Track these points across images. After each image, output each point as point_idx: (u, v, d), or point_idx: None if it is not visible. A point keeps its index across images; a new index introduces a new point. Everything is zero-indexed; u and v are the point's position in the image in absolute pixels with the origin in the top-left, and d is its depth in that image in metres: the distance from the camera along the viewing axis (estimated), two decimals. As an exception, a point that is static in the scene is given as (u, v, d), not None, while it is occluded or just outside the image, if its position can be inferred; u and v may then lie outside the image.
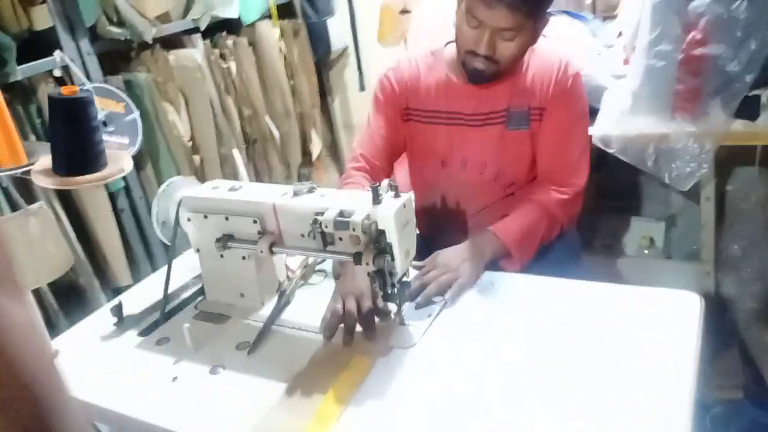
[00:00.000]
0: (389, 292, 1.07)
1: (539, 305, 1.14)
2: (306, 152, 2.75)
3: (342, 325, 1.10)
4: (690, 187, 1.73)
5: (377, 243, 1.03)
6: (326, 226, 1.04)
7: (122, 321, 1.22)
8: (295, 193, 1.12)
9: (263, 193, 1.15)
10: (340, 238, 1.06)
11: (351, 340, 1.08)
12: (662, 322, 1.04)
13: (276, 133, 2.55)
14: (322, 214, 1.04)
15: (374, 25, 2.58)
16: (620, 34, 1.88)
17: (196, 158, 2.19)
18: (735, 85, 1.53)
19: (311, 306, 1.22)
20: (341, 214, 1.04)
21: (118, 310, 1.22)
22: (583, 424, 0.86)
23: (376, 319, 1.12)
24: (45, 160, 0.95)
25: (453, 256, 1.26)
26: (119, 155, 0.99)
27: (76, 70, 1.79)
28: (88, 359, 1.14)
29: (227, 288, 1.24)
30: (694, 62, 1.56)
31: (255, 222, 1.13)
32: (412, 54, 1.54)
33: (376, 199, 1.02)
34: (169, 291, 1.23)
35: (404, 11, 2.31)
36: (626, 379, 0.93)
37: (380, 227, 1.02)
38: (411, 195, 1.06)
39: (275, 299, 1.24)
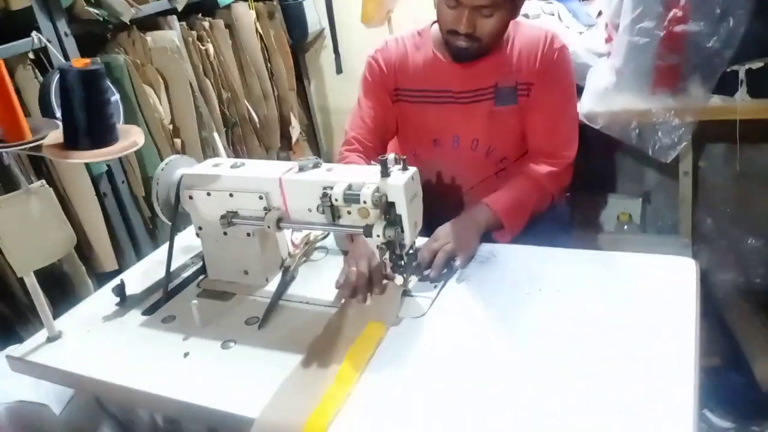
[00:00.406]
0: (399, 263, 1.08)
1: (541, 274, 1.17)
2: (284, 135, 2.73)
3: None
4: (667, 164, 1.79)
5: (387, 215, 1.04)
6: (336, 200, 1.04)
7: (125, 301, 1.21)
8: (301, 169, 1.12)
9: (268, 169, 1.15)
10: (349, 212, 1.06)
11: (365, 298, 1.13)
12: (662, 287, 1.08)
13: (255, 117, 2.53)
14: (330, 188, 1.05)
15: (351, 7, 2.57)
16: (600, 13, 1.92)
17: (177, 142, 2.16)
18: (714, 61, 1.59)
19: (315, 281, 1.23)
20: (350, 187, 1.04)
21: (120, 290, 1.20)
22: (588, 388, 0.88)
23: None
24: (55, 135, 0.93)
25: (453, 228, 1.28)
26: (129, 129, 0.98)
27: (54, 52, 1.74)
28: (94, 339, 1.13)
29: (230, 266, 1.24)
30: (675, 39, 1.61)
31: (261, 198, 1.13)
32: (398, 34, 1.55)
33: (385, 172, 1.03)
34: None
35: (389, -9, 2.30)
36: (631, 342, 0.96)
37: (390, 199, 1.03)
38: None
39: (278, 276, 1.24)
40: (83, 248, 1.88)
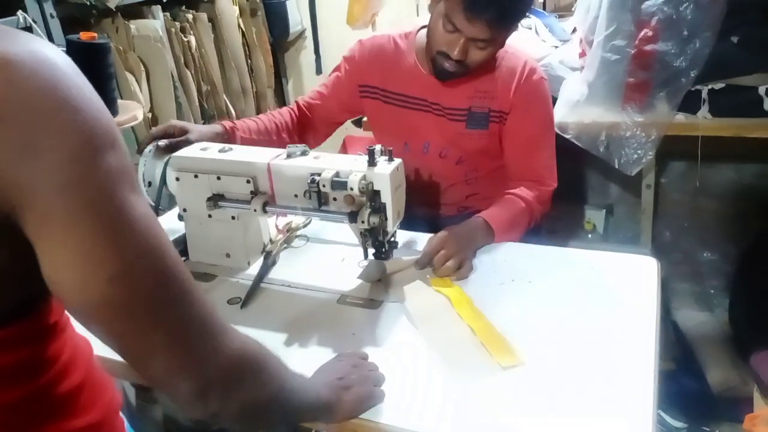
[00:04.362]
0: (381, 249, 1.13)
1: (515, 267, 1.23)
2: (261, 132, 2.76)
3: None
4: (630, 178, 1.87)
5: (372, 203, 1.09)
6: (323, 186, 1.08)
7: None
8: (289, 155, 1.16)
9: (256, 154, 1.18)
10: (335, 198, 1.10)
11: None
12: (626, 281, 1.16)
13: (233, 111, 2.55)
14: (318, 174, 1.09)
15: (333, 8, 2.62)
16: (575, 29, 2.01)
17: (156, 130, 2.17)
18: (680, 80, 1.68)
19: (296, 266, 1.27)
20: (338, 174, 1.09)
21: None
22: (552, 382, 0.93)
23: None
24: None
25: (458, 240, 1.25)
26: (128, 104, 1.00)
27: (39, 33, 1.74)
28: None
29: (213, 248, 1.26)
30: (645, 57, 1.70)
31: (248, 182, 1.16)
32: (390, 32, 1.56)
33: (372, 162, 1.08)
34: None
35: (375, -7, 2.35)
36: (596, 334, 1.02)
37: (376, 188, 1.08)
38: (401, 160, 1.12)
39: (260, 260, 1.27)
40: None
